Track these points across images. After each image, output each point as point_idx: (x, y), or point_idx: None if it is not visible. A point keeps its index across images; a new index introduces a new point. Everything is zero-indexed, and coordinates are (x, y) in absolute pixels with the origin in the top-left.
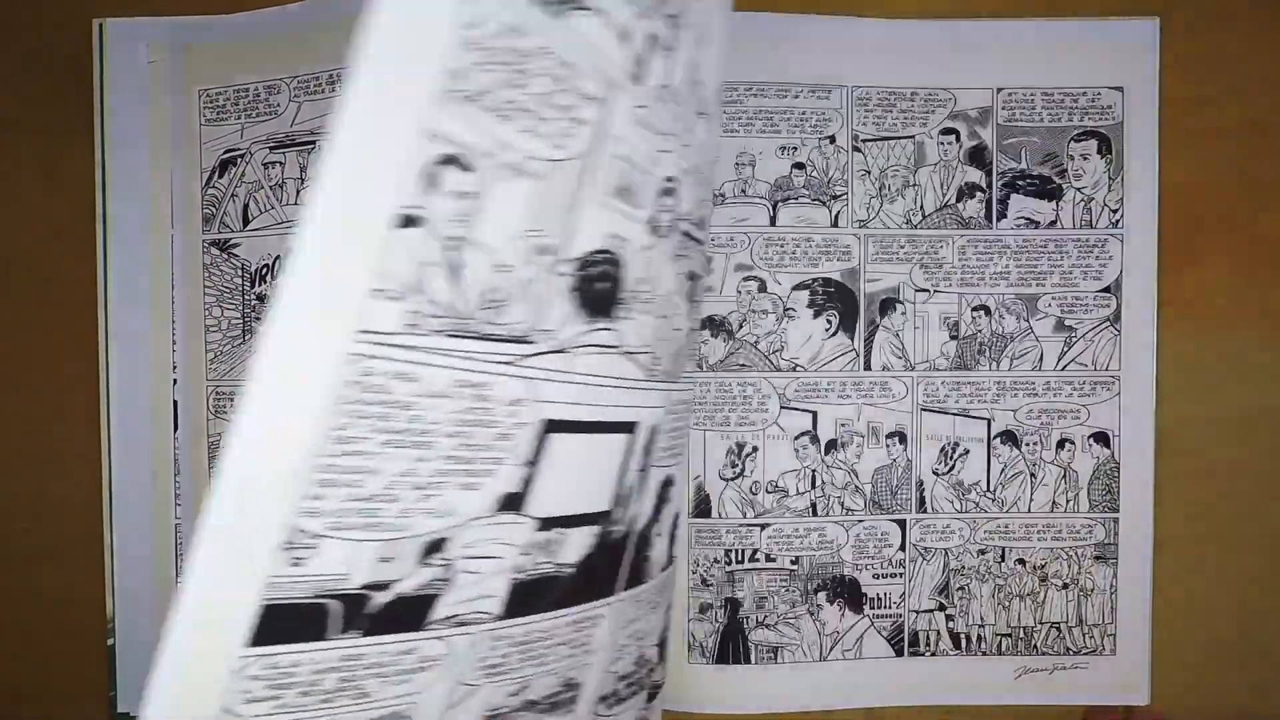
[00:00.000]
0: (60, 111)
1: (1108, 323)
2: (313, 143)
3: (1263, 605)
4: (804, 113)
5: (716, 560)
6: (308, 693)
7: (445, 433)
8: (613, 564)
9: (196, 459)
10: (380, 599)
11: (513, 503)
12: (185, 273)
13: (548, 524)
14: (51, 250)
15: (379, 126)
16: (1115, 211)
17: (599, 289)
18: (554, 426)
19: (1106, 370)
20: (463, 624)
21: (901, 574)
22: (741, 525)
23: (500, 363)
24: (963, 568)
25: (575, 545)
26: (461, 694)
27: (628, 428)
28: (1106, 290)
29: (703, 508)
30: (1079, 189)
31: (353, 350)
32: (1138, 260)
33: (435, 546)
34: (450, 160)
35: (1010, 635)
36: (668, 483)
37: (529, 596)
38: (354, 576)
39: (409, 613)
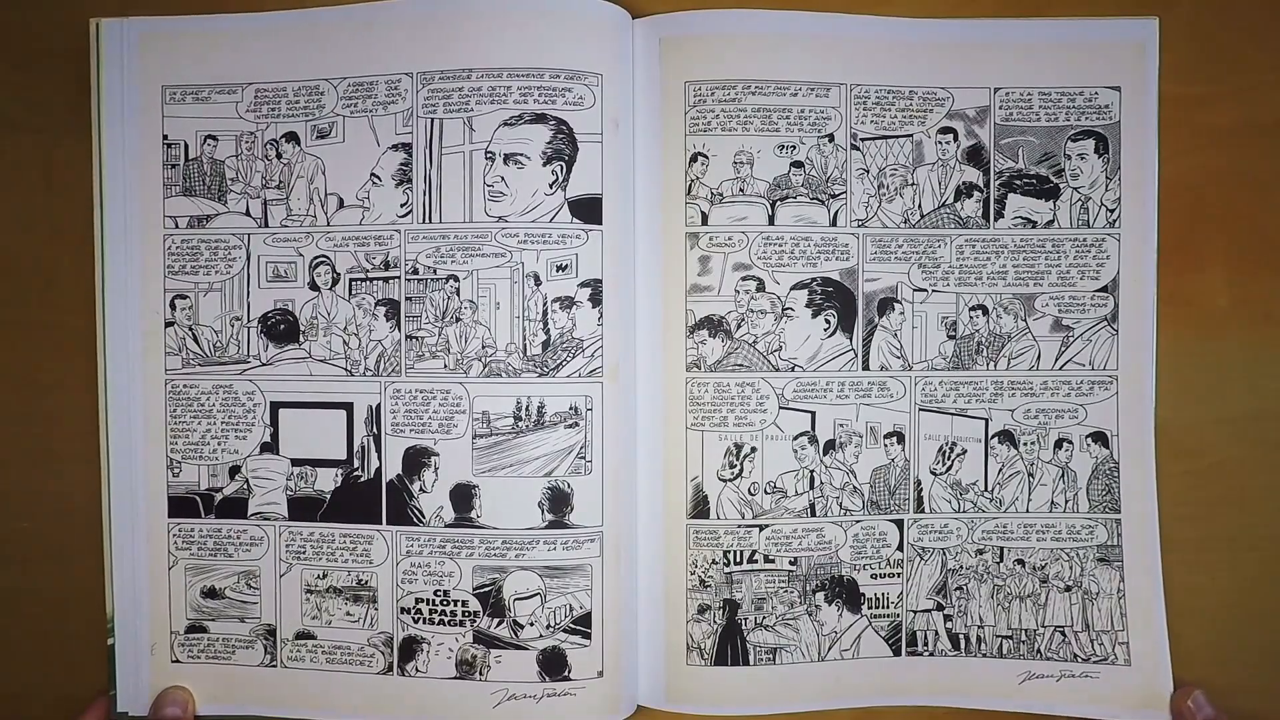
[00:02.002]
0: (59, 111)
1: (1105, 322)
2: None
3: (1273, 607)
4: (803, 111)
5: (715, 561)
6: (201, 547)
7: (217, 408)
8: (368, 500)
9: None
10: (217, 497)
11: (269, 447)
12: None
13: (297, 462)
14: (51, 250)
15: None
16: (1112, 211)
17: (279, 329)
18: (279, 404)
19: (1104, 370)
20: (266, 518)
21: (899, 574)
22: (740, 526)
23: (236, 373)
24: (960, 567)
25: (325, 479)
26: (283, 568)
27: (345, 405)
28: (1104, 290)
29: (701, 509)
30: (1076, 189)
31: None
32: (1135, 260)
33: (236, 469)
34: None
35: (1011, 637)
36: (420, 451)
37: (301, 507)
38: (200, 484)
39: (235, 507)
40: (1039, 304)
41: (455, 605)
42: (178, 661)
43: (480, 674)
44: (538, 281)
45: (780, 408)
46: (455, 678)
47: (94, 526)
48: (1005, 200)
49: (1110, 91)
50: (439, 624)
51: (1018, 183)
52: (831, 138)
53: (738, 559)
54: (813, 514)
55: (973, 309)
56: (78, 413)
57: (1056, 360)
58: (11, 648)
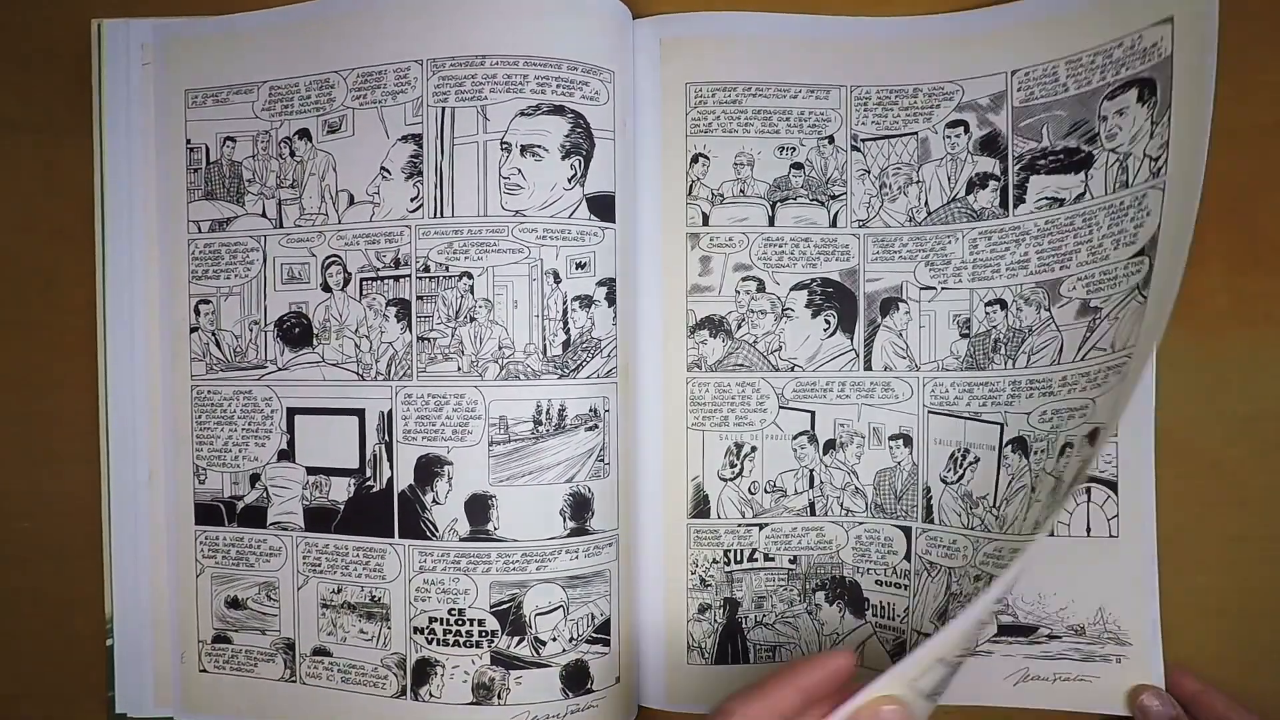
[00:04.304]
0: (60, 111)
1: (1136, 291)
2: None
3: (1272, 607)
4: (802, 113)
5: (715, 560)
6: (225, 556)
7: (238, 415)
8: (380, 511)
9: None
10: (239, 505)
11: (286, 455)
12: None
13: (312, 471)
14: (51, 250)
15: None
16: (1156, 160)
17: (294, 332)
18: (295, 410)
19: (1125, 349)
20: (284, 528)
21: (907, 585)
22: (740, 525)
23: (255, 379)
24: (961, 593)
25: (339, 488)
26: (301, 580)
27: (357, 412)
28: (1140, 254)
29: (701, 508)
30: (1113, 149)
31: None
32: (1179, 204)
33: (256, 477)
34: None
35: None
36: (433, 460)
37: (317, 518)
38: (224, 491)
39: (255, 516)
40: (1064, 289)
41: (471, 625)
42: (205, 671)
43: (499, 698)
44: (557, 279)
45: (780, 407)
46: (471, 703)
47: (94, 526)
48: (1026, 185)
49: (1158, 28)
50: (454, 645)
51: (1040, 163)
52: (831, 139)
53: (738, 558)
54: (812, 513)
55: (989, 304)
56: (78, 413)
57: (1079, 350)
58: (11, 648)
